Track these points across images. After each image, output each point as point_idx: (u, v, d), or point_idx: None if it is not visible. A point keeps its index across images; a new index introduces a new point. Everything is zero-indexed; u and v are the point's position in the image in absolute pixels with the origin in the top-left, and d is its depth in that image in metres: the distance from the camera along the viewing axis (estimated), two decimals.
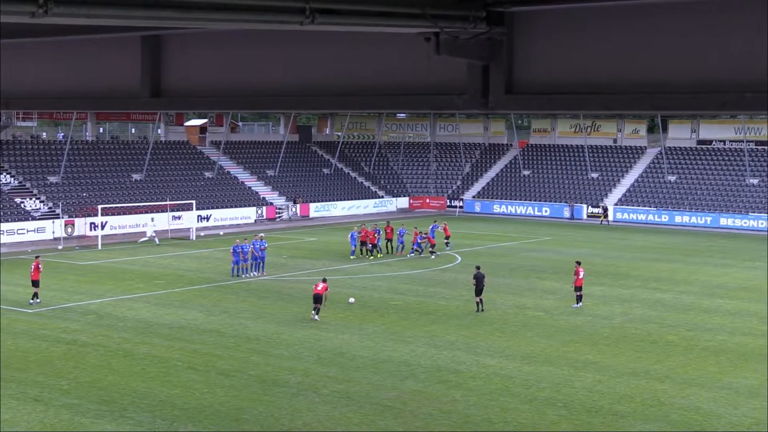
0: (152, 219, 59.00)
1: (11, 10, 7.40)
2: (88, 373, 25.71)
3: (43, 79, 15.38)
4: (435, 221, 55.30)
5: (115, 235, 59.00)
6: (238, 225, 67.56)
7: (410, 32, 10.51)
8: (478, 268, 36.23)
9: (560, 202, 79.32)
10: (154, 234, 56.63)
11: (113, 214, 59.88)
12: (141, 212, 61.93)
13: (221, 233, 62.22)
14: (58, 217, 58.45)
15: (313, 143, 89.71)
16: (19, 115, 71.29)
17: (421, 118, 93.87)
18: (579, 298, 36.24)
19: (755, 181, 75.58)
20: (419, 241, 50.57)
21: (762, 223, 69.51)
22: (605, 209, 75.78)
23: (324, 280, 33.50)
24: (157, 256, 50.34)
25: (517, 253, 53.14)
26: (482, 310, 35.00)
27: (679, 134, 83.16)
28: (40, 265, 35.90)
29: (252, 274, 42.77)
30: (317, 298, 32.86)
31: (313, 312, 32.98)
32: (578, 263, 36.87)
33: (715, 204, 73.94)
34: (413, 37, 10.59)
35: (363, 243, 49.66)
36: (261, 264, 43.44)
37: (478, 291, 35.13)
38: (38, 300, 35.55)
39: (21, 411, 22.11)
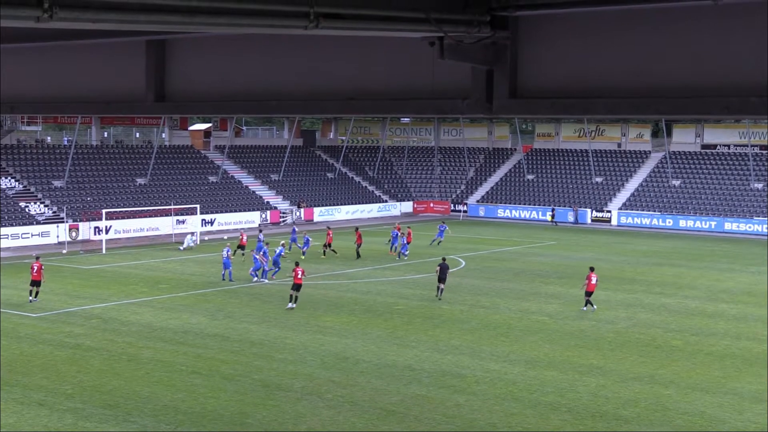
0: (192, 233, 58.62)
1: (16, 15, 7.41)
2: (92, 377, 25.71)
3: (48, 83, 15.40)
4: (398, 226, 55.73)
5: (120, 239, 59.10)
6: (242, 229, 67.51)
7: (414, 36, 10.51)
8: (443, 259, 39.86)
9: (564, 206, 79.31)
10: (192, 243, 56.27)
11: (118, 219, 59.98)
12: (145, 216, 62.05)
13: (225, 237, 62.23)
14: (63, 222, 58.53)
15: (317, 147, 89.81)
16: (23, 119, 71.37)
17: (425, 122, 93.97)
18: (587, 302, 36.23)
19: (759, 186, 75.48)
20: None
21: (766, 228, 69.42)
22: (553, 209, 77.37)
23: (297, 264, 36.73)
24: (160, 261, 50.38)
25: (521, 258, 53.09)
26: (440, 298, 38.38)
27: (684, 139, 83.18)
28: (42, 267, 36.73)
29: (263, 280, 42.55)
30: (298, 287, 35.82)
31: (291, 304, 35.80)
32: (591, 269, 36.84)
33: (719, 208, 73.88)
34: (417, 41, 10.59)
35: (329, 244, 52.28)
36: (273, 270, 43.39)
37: (441, 279, 38.41)
38: (36, 299, 36.41)
39: (25, 415, 22.11)
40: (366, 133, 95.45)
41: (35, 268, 36.40)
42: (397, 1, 9.64)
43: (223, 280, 42.73)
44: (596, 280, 36.60)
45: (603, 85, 10.72)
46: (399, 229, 53.95)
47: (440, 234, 58.48)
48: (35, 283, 36.41)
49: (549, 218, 76.91)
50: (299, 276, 35.76)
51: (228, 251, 43.53)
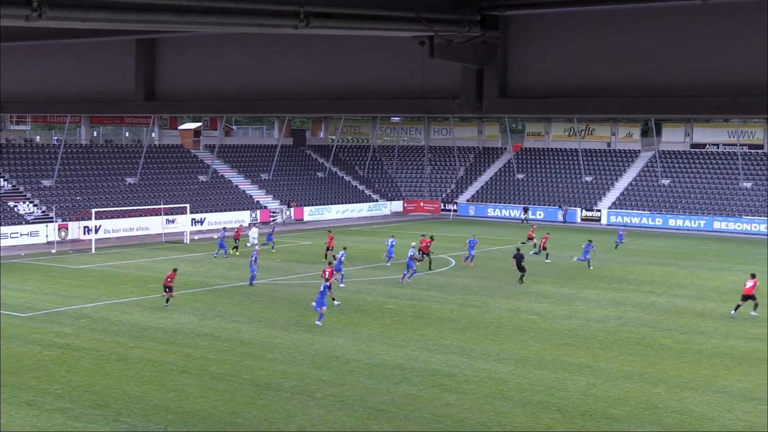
0: (253, 228, 55.78)
1: (5, 14, 7.38)
2: (82, 377, 25.64)
3: (38, 82, 15.36)
4: (474, 236, 53.15)
5: (109, 239, 58.96)
6: (232, 228, 67.45)
7: (405, 36, 10.52)
8: (518, 249, 44.55)
9: (554, 205, 79.48)
10: (255, 241, 52.99)
11: (107, 218, 59.83)
12: (135, 216, 61.93)
13: (215, 237, 62.14)
14: (52, 221, 58.35)
15: (308, 147, 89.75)
16: (12, 119, 71.21)
17: (416, 121, 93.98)
18: (753, 306, 35.41)
19: (748, 185, 75.76)
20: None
21: (756, 227, 69.72)
22: (525, 209, 78.19)
23: (330, 264, 38.67)
24: (150, 260, 50.28)
25: (511, 257, 53.05)
26: (521, 282, 42.53)
27: (673, 138, 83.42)
28: (172, 278, 36.17)
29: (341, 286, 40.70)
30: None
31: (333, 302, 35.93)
32: (752, 276, 36.06)
33: (708, 207, 74.12)
34: (408, 40, 10.59)
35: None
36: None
37: (519, 267, 42.84)
38: (167, 304, 35.86)
39: (14, 415, 22.04)
40: (356, 132, 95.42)
41: (168, 276, 36.23)
42: (387, 1, 9.64)
43: (251, 284, 41.26)
44: (753, 285, 35.20)
45: (592, 85, 10.75)
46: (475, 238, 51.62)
47: (620, 237, 58.62)
48: (166, 288, 36.04)
49: (523, 216, 77.32)
50: (326, 276, 36.08)
51: (255, 256, 42.10)
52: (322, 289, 33.11)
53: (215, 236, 62.21)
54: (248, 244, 52.47)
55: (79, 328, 32.24)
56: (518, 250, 44.29)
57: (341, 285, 40.00)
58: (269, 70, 13.32)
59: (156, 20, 8.49)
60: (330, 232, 53.66)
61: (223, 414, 22.32)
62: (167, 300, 35.99)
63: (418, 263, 44.19)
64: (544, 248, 52.19)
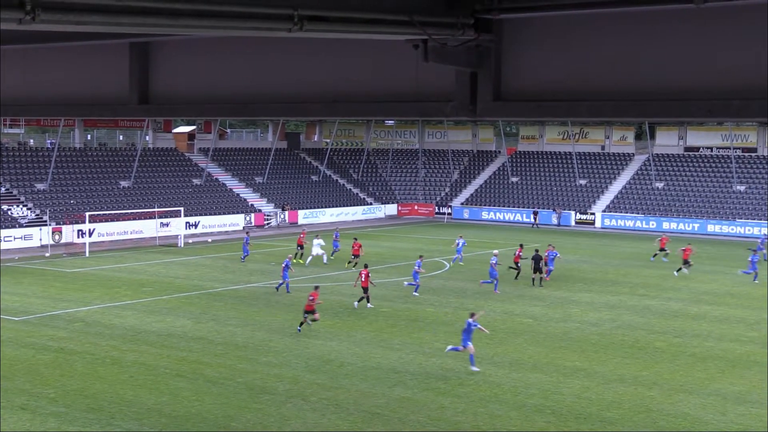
0: (317, 235, 52.26)
1: None
2: (76, 381, 25.58)
3: (32, 86, 15.33)
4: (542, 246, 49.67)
5: (103, 242, 58.85)
6: (226, 232, 67.46)
7: (399, 39, 10.52)
8: (536, 251, 44.07)
9: (549, 208, 79.57)
10: (323, 251, 50.23)
11: (101, 221, 59.74)
12: (129, 219, 61.83)
13: (209, 240, 62.12)
14: (46, 225, 58.25)
15: (302, 150, 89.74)
16: (6, 122, 71.04)
17: (410, 125, 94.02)
18: None
19: (742, 188, 75.91)
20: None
21: (749, 230, 69.82)
22: (535, 213, 77.91)
23: (366, 266, 37.93)
24: (144, 264, 50.19)
25: (505, 260, 53.06)
26: (540, 285, 42.87)
27: (667, 141, 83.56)
28: (316, 298, 32.35)
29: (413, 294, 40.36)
30: (364, 290, 36.79)
31: (368, 304, 36.78)
32: None
33: (702, 210, 74.25)
34: (402, 44, 10.59)
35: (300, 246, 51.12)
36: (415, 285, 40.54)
37: (536, 269, 43.03)
38: (300, 329, 32.30)
39: (7, 420, 21.97)
40: (350, 135, 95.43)
41: (312, 298, 32.24)
42: (381, 4, 9.65)
43: (277, 290, 40.28)
44: None
45: (586, 88, 10.75)
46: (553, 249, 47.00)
47: (760, 248, 53.77)
48: (308, 312, 32.28)
49: (534, 221, 77.17)
50: (363, 279, 36.55)
51: (288, 262, 40.67)
52: (466, 327, 27.25)
53: (209, 240, 62.35)
54: (312, 254, 49.67)
55: (73, 331, 32.16)
56: (536, 251, 44.02)
57: (415, 294, 40.20)
58: (263, 73, 13.31)
59: (149, 23, 8.47)
60: (356, 239, 50.63)
61: (218, 418, 22.28)
62: (312, 320, 32.34)
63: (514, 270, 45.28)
64: (687, 260, 47.81)
